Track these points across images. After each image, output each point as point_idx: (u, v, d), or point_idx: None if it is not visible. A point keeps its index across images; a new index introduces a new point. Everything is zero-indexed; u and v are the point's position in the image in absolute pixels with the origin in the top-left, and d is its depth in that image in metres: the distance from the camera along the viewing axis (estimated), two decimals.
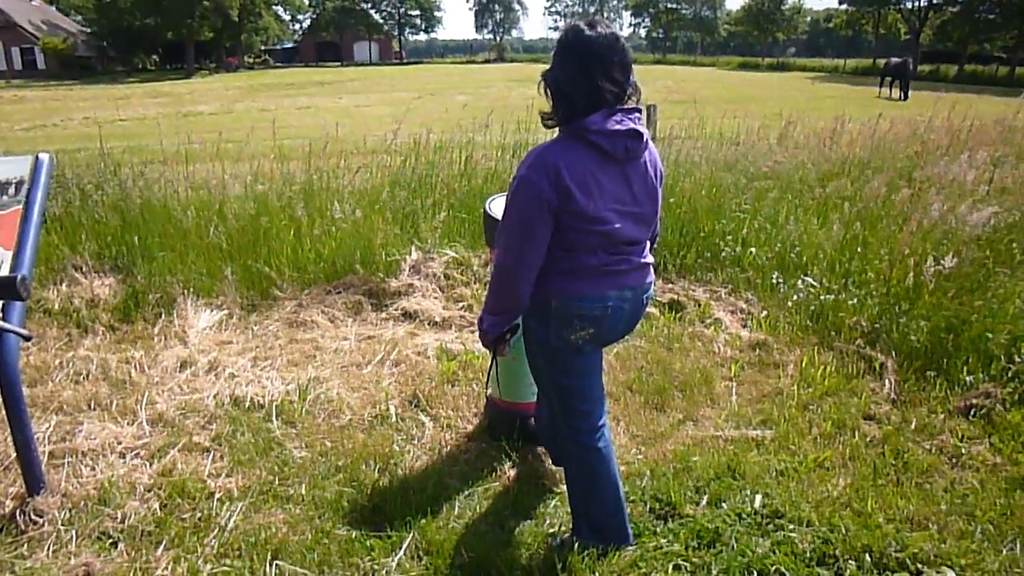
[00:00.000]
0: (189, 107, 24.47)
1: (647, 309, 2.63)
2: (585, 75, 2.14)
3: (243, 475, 3.16)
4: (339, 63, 69.79)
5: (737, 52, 78.10)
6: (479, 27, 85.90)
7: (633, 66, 2.25)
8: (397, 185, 6.27)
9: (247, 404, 3.75)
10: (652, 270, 2.49)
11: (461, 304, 5.07)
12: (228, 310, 4.93)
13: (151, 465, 3.22)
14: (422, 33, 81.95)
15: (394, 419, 3.67)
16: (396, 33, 78.15)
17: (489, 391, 2.89)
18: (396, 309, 5.03)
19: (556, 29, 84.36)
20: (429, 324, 4.88)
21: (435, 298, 5.19)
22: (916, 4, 56.41)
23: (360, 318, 4.98)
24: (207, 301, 4.98)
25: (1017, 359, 3.95)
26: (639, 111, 2.26)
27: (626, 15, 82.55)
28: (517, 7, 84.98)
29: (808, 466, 3.28)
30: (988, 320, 4.15)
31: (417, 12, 76.79)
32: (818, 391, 3.94)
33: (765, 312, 4.85)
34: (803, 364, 4.21)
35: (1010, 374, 3.91)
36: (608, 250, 2.27)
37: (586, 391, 2.52)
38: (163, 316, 4.80)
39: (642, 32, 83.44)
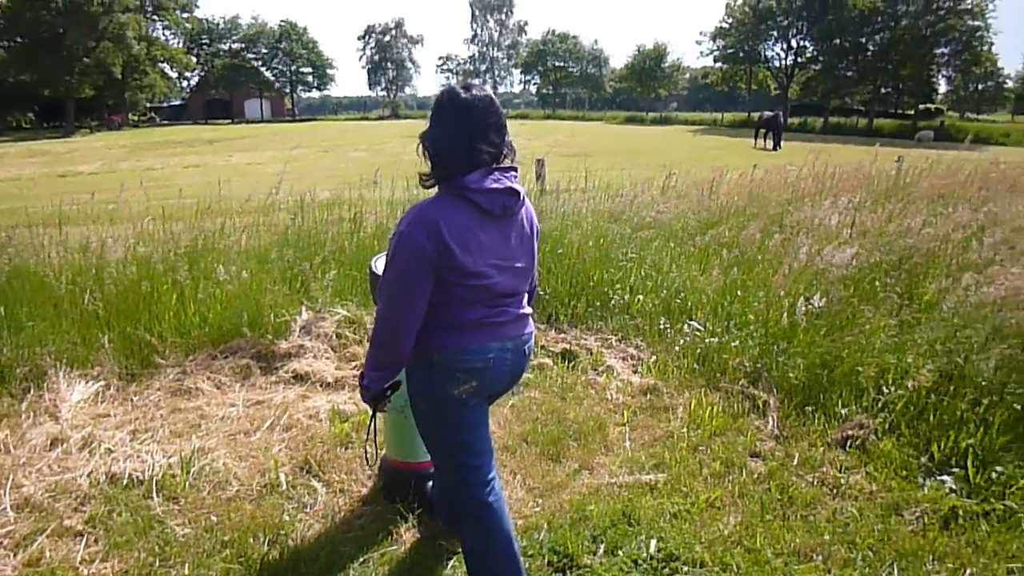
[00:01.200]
0: (68, 167, 23.32)
1: (532, 361, 2.66)
2: (462, 136, 2.22)
3: (120, 559, 2.96)
4: (229, 120, 68.46)
5: (623, 107, 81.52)
6: (372, 84, 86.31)
7: (508, 126, 2.35)
8: (286, 244, 6.16)
9: (125, 481, 3.53)
10: (531, 321, 2.55)
11: (354, 363, 4.98)
12: (105, 381, 4.65)
13: (15, 555, 2.97)
14: (315, 90, 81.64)
15: (284, 487, 3.53)
16: (288, 90, 77.55)
17: (369, 449, 2.81)
18: (286, 371, 4.89)
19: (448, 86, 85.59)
20: (321, 386, 4.76)
21: (327, 358, 5.08)
22: (783, 62, 60.64)
23: (248, 383, 4.80)
24: (82, 372, 4.68)
25: (885, 390, 4.20)
26: (515, 170, 2.34)
27: (516, 72, 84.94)
28: (410, 65, 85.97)
29: (700, 507, 3.36)
30: (858, 354, 4.41)
31: (309, 70, 76.52)
32: (707, 432, 4.06)
33: (654, 357, 4.99)
34: (692, 406, 4.33)
35: (880, 404, 4.14)
36: (488, 303, 2.32)
37: (474, 445, 2.51)
38: (32, 390, 4.48)
39: (532, 88, 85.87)
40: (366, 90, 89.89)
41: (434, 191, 2.32)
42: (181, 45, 68.51)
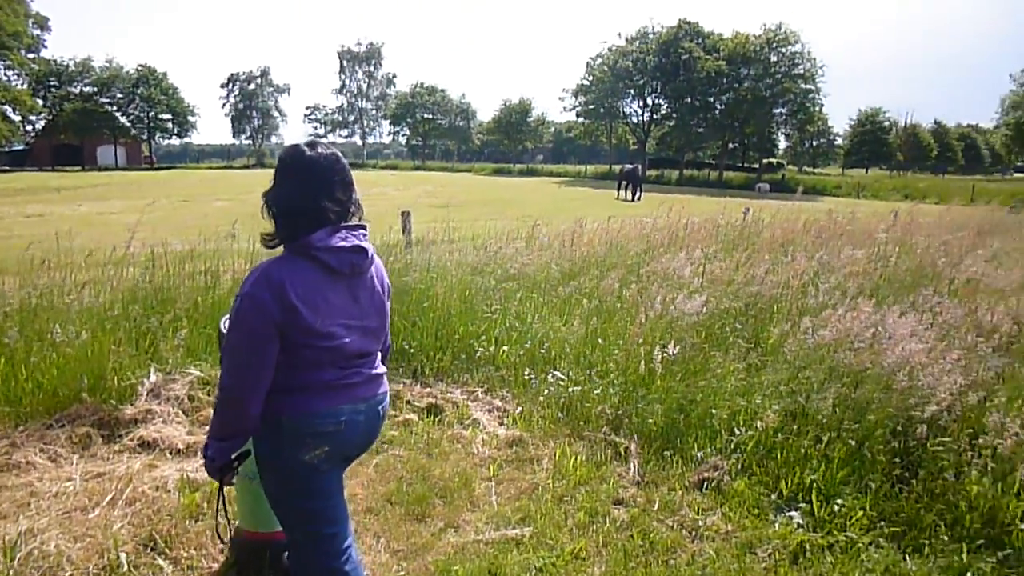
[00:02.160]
0: None
1: (386, 420, 2.60)
2: (307, 195, 2.18)
3: None
4: (80, 167, 64.31)
5: (491, 159, 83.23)
6: (236, 132, 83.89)
7: (355, 184, 2.32)
8: (133, 300, 5.78)
9: None
10: (385, 381, 2.50)
11: (207, 427, 4.70)
12: None
13: None
14: (175, 137, 78.16)
15: (125, 568, 3.24)
16: (146, 137, 73.86)
17: (220, 521, 2.63)
18: (132, 439, 4.54)
19: (317, 135, 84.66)
20: (171, 453, 4.45)
21: (178, 423, 4.77)
22: (640, 118, 64.10)
23: (88, 453, 4.42)
24: None
25: (737, 431, 4.40)
26: (363, 228, 2.32)
27: (385, 123, 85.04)
28: (276, 114, 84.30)
29: (565, 559, 3.36)
30: (711, 398, 4.61)
31: (169, 116, 73.28)
32: (572, 482, 4.09)
33: (520, 408, 5.02)
34: (557, 456, 4.37)
35: (732, 445, 4.34)
36: (338, 364, 2.26)
37: (328, 513, 2.41)
38: None
39: (402, 140, 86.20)
40: (230, 138, 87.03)
41: (279, 251, 2.25)
42: (26, 86, 64.01)
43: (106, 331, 5.18)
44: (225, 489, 2.48)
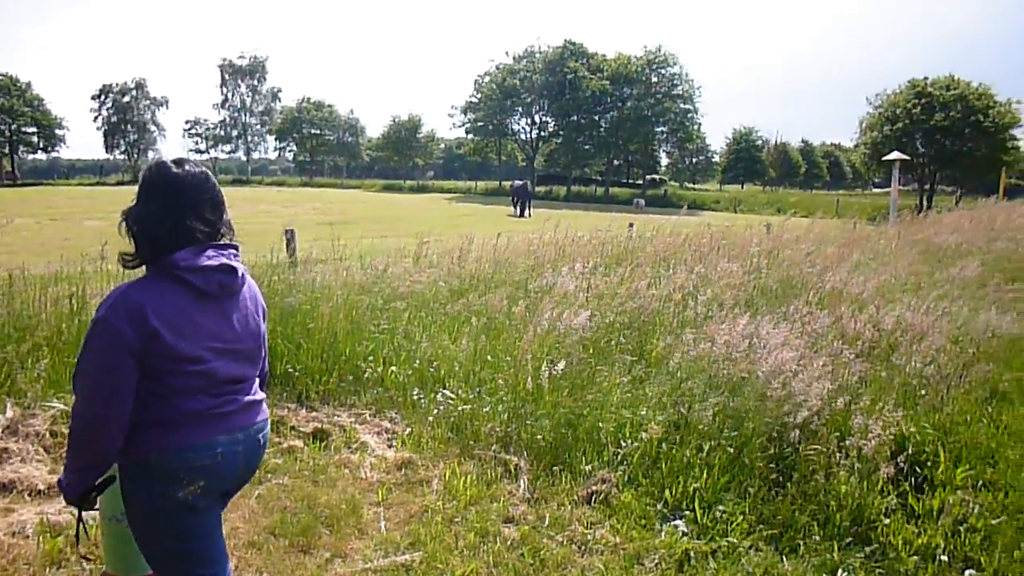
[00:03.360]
0: None
1: (266, 449, 2.47)
2: (172, 214, 2.07)
3: None
4: None
5: (381, 175, 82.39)
6: (110, 147, 79.20)
7: (226, 204, 2.22)
8: None
9: None
10: (265, 407, 2.39)
11: None
12: None
13: None
14: (41, 152, 73.00)
15: None
16: (8, 151, 68.58)
17: (85, 564, 2.41)
18: None
19: (197, 151, 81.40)
20: (30, 495, 4.11)
21: (38, 461, 4.42)
22: (529, 135, 65.17)
23: None
24: None
25: (623, 443, 4.49)
26: (235, 248, 2.21)
27: (271, 139, 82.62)
28: (153, 128, 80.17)
29: None
30: (598, 412, 4.68)
31: (34, 129, 68.36)
32: (462, 502, 4.05)
33: (409, 429, 4.93)
34: (447, 477, 4.32)
35: (619, 458, 4.41)
36: (210, 392, 2.13)
37: (206, 553, 2.26)
38: None
39: (289, 155, 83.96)
40: (103, 153, 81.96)
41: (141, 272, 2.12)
42: None
43: None
44: (93, 532, 2.30)
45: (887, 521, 3.80)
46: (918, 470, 4.29)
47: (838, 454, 4.13)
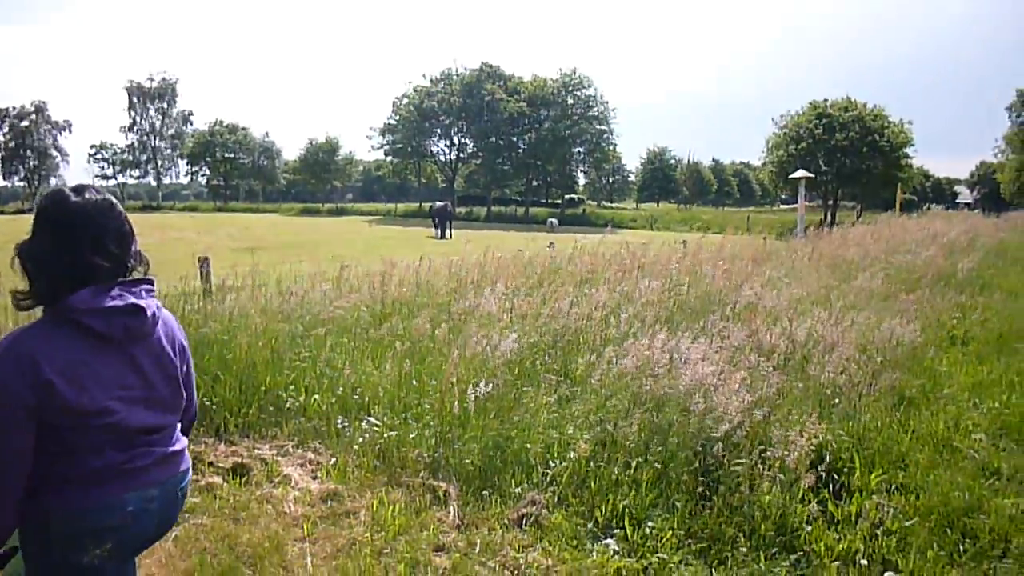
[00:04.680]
0: None
1: (184, 502, 2.31)
2: (70, 248, 1.89)
3: None
4: None
5: (298, 199, 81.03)
6: (8, 174, 75.30)
7: (134, 234, 2.06)
8: None
9: None
10: (186, 456, 2.23)
11: None
12: None
13: None
14: None
15: None
16: None
17: None
18: None
19: (104, 176, 78.21)
20: None
21: None
22: (448, 157, 65.35)
23: None
24: None
25: (552, 464, 4.48)
26: (148, 283, 2.05)
27: (183, 163, 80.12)
28: (55, 153, 76.55)
29: None
30: (525, 433, 4.66)
31: None
32: (391, 532, 3.95)
33: (334, 459, 4.80)
34: (374, 507, 4.21)
35: (548, 479, 4.40)
36: (119, 446, 1.96)
37: None
38: None
39: (202, 180, 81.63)
40: (0, 180, 77.83)
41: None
42: None
43: None
44: None
45: (809, 528, 3.91)
46: (836, 477, 4.44)
47: (760, 465, 4.22)
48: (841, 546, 3.78)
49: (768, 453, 4.25)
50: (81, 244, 1.90)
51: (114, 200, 2.03)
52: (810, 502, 4.08)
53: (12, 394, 1.78)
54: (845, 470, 4.51)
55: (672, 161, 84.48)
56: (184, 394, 2.20)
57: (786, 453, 4.16)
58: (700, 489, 4.25)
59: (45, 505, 1.91)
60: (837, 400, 5.30)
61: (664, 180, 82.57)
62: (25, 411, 1.80)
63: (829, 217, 43.19)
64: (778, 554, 3.77)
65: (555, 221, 39.75)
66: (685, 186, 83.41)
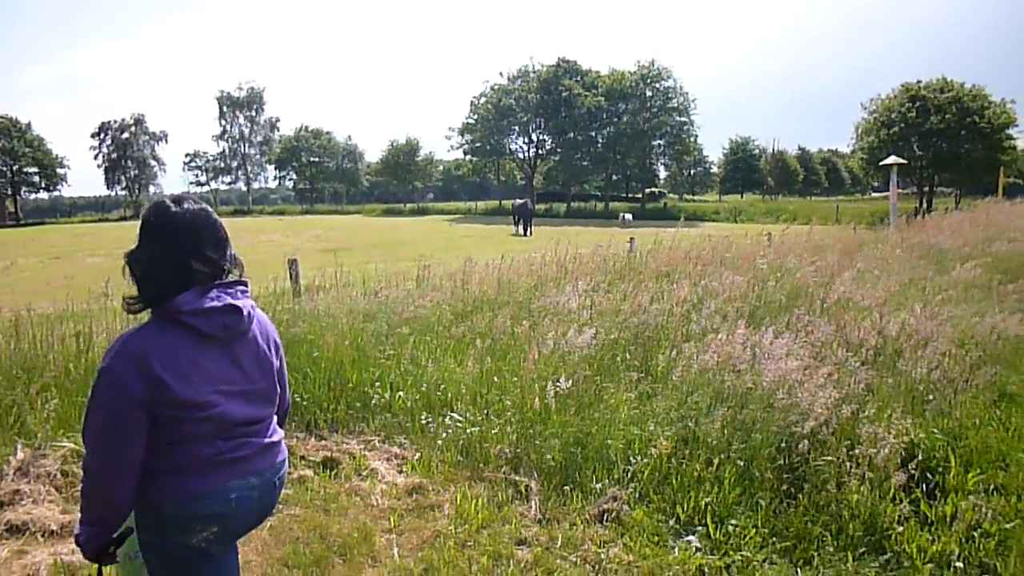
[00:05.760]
0: None
1: (281, 490, 2.45)
2: (172, 255, 2.05)
3: None
4: None
5: (381, 199, 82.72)
6: (111, 183, 79.75)
7: (229, 239, 2.20)
8: None
9: None
10: (283, 447, 2.36)
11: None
12: None
13: None
14: (43, 191, 73.39)
15: None
16: (10, 192, 68.92)
17: None
18: None
19: (198, 183, 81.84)
20: (43, 536, 4.11)
21: (50, 502, 4.42)
22: (526, 154, 65.46)
23: None
24: None
25: (632, 460, 4.48)
26: (243, 284, 2.19)
27: (270, 168, 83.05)
28: (153, 162, 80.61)
29: None
30: (606, 429, 4.68)
31: (35, 169, 68.77)
32: (474, 525, 4.05)
33: (418, 454, 4.94)
34: (458, 500, 4.31)
35: (629, 475, 4.41)
36: (222, 436, 2.11)
37: None
38: None
39: (289, 184, 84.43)
40: (104, 189, 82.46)
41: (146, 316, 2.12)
42: None
43: None
44: (109, 572, 2.29)
45: (900, 529, 3.79)
46: (929, 476, 4.28)
47: (848, 463, 4.11)
48: (935, 548, 3.65)
49: (856, 451, 4.14)
50: (182, 250, 2.05)
51: (210, 209, 2.18)
52: (901, 502, 3.95)
53: (128, 389, 1.94)
54: (939, 469, 4.34)
55: (756, 151, 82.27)
56: (279, 388, 2.34)
57: (875, 451, 4.04)
58: (785, 487, 4.18)
59: (158, 491, 2.07)
60: (931, 396, 5.10)
61: (748, 171, 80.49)
62: (139, 405, 1.95)
63: (924, 205, 41.22)
64: (867, 554, 3.67)
65: (628, 216, 39.03)
66: (770, 176, 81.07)
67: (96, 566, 2.23)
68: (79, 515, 2.10)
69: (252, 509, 2.22)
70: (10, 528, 4.15)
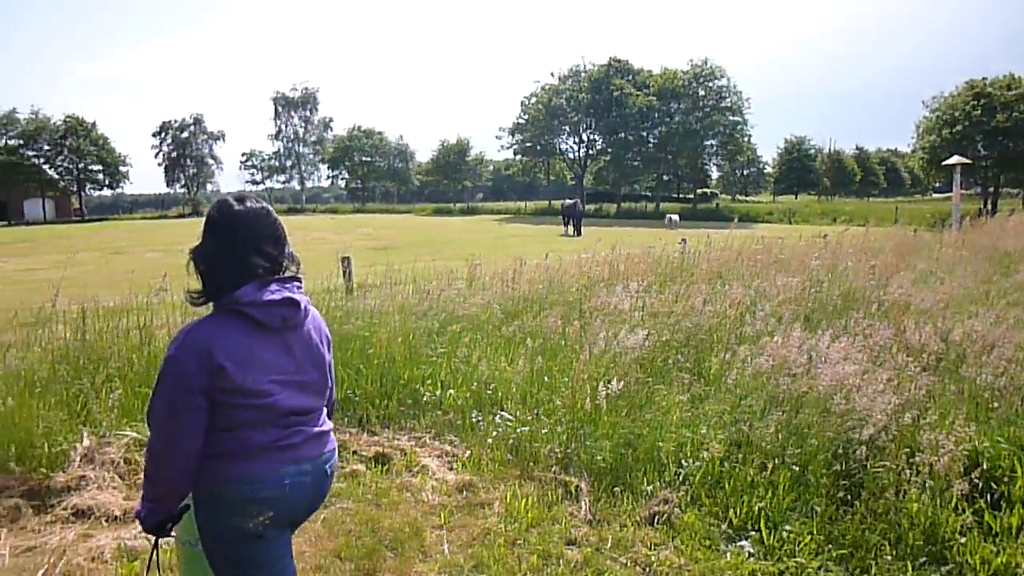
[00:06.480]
0: None
1: (335, 478, 2.51)
2: (234, 250, 2.14)
3: None
4: (6, 223, 62.05)
5: (431, 199, 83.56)
6: (170, 181, 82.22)
7: (286, 237, 2.28)
8: (64, 361, 5.56)
9: None
10: (332, 437, 2.43)
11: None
12: None
13: None
14: (106, 188, 76.00)
15: None
16: (75, 189, 71.51)
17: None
18: (65, 508, 4.33)
19: (254, 182, 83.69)
20: (107, 520, 4.26)
21: (114, 488, 4.57)
22: (577, 154, 65.27)
23: (18, 526, 4.20)
24: None
25: (684, 463, 4.44)
26: (298, 280, 2.27)
27: (323, 167, 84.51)
28: (211, 161, 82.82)
29: None
30: (657, 431, 4.64)
31: (99, 167, 71.19)
32: (523, 524, 4.06)
33: (469, 452, 4.97)
34: (508, 499, 4.33)
35: (681, 478, 4.36)
36: (277, 424, 2.19)
37: None
38: None
39: (341, 183, 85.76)
40: (163, 187, 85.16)
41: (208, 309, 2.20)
42: None
43: (34, 395, 4.97)
44: (168, 557, 2.37)
45: (963, 540, 3.67)
46: (994, 486, 4.13)
47: (908, 471, 4.00)
48: (999, 560, 3.53)
49: (916, 458, 4.02)
50: (243, 246, 2.15)
51: (270, 207, 2.27)
52: (963, 512, 3.83)
53: (190, 377, 2.04)
54: (1004, 479, 4.18)
55: (811, 151, 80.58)
56: (329, 380, 2.42)
57: (936, 459, 3.92)
58: (841, 494, 4.08)
59: (217, 476, 2.15)
60: (996, 404, 4.92)
61: (802, 171, 78.88)
62: (201, 391, 2.05)
63: (988, 206, 39.85)
64: (927, 565, 3.57)
65: (675, 217, 38.36)
66: (825, 177, 79.32)
67: (152, 549, 2.32)
68: (141, 492, 2.20)
69: (305, 495, 2.29)
70: (76, 512, 4.31)
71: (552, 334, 6.02)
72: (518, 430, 4.94)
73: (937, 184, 65.04)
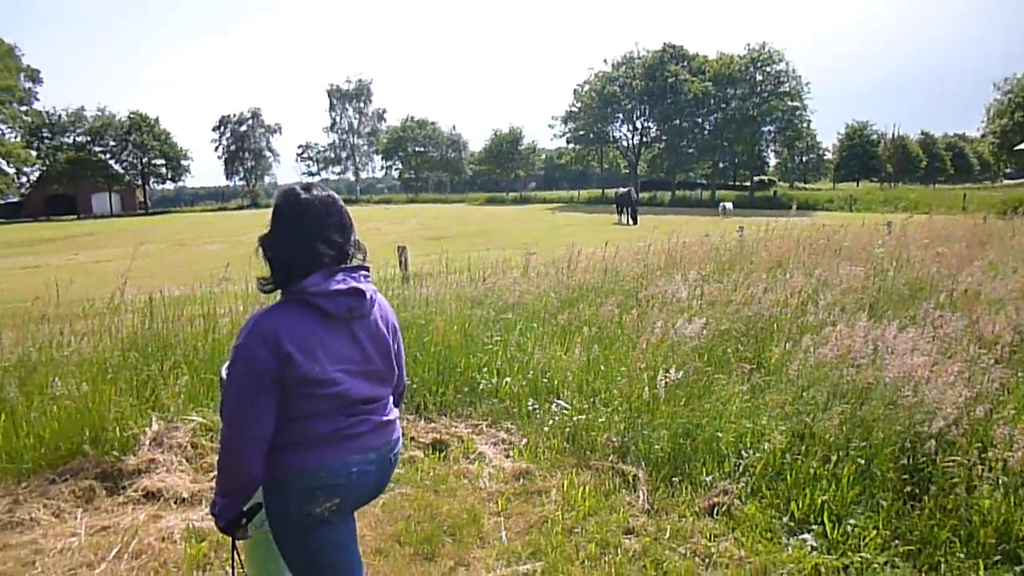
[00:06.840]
0: None
1: (399, 462, 2.54)
2: (301, 238, 2.16)
3: None
4: (75, 216, 64.50)
5: (484, 188, 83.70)
6: (230, 174, 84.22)
7: (353, 226, 2.30)
8: (134, 348, 5.76)
9: None
10: (397, 425, 2.45)
11: (212, 474, 4.65)
12: None
13: None
14: (169, 182, 78.31)
15: None
16: (140, 183, 73.92)
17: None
18: (136, 490, 4.49)
19: (310, 174, 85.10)
20: (175, 502, 4.40)
21: (181, 471, 4.72)
22: (630, 142, 64.59)
23: (92, 507, 4.37)
24: None
25: (744, 454, 4.37)
26: (365, 269, 2.29)
27: (377, 158, 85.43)
28: (268, 154, 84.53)
29: None
30: (716, 422, 4.58)
31: (162, 161, 73.38)
32: (581, 512, 4.05)
33: (525, 440, 4.98)
34: (565, 487, 4.33)
35: (741, 469, 4.30)
36: (344, 412, 2.21)
37: (342, 563, 2.36)
38: None
39: (395, 173, 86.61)
40: (223, 180, 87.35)
41: (276, 296, 2.23)
42: (19, 139, 64.39)
43: (106, 381, 5.16)
44: (238, 544, 2.43)
45: None
46: None
47: (980, 466, 3.86)
48: None
49: (989, 453, 3.88)
50: (310, 234, 2.17)
51: (336, 196, 2.29)
52: None
53: (260, 363, 2.06)
54: None
55: (874, 136, 78.08)
56: (396, 369, 2.42)
57: (1010, 454, 3.78)
58: (908, 488, 3.96)
59: (285, 463, 2.18)
60: None
61: (864, 157, 76.41)
62: (270, 377, 2.08)
63: None
64: (1000, 563, 3.44)
65: (728, 205, 37.36)
66: (889, 163, 76.80)
67: (231, 550, 2.37)
68: (215, 487, 2.23)
69: (369, 483, 2.32)
70: (147, 494, 4.46)
71: (608, 323, 5.99)
72: (574, 418, 4.93)
73: (1008, 170, 62.59)
